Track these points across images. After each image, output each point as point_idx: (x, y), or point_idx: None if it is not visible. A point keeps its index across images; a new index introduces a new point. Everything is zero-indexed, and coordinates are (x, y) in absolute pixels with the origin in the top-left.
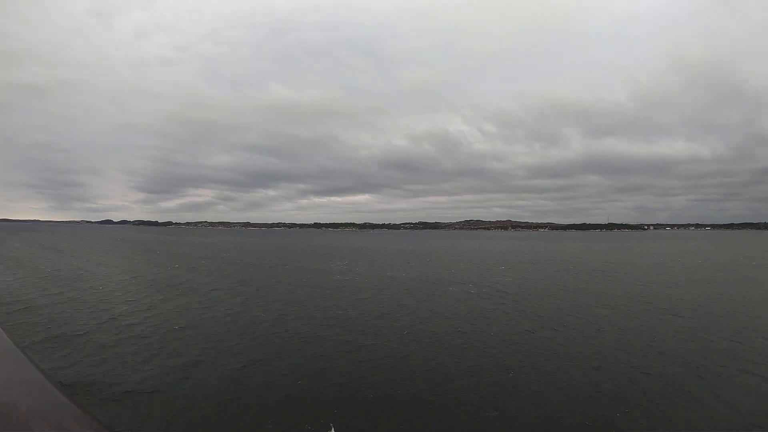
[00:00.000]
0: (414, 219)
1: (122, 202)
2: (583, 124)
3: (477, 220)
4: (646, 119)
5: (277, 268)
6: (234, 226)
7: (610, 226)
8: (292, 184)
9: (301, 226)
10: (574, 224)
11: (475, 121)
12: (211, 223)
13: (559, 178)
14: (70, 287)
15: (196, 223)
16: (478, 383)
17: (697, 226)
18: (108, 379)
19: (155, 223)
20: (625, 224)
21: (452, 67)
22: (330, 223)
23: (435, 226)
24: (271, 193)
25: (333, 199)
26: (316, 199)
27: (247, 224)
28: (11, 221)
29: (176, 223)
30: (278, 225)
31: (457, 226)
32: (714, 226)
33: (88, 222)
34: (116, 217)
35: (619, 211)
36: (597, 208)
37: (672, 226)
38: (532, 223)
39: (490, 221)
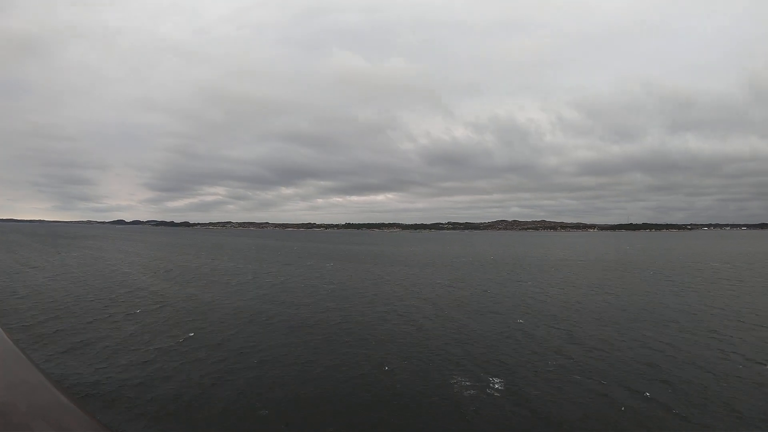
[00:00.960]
0: (432, 219)
1: (128, 202)
2: (674, 116)
3: (513, 221)
4: (742, 113)
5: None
6: (266, 227)
7: (659, 227)
8: (317, 181)
9: (338, 226)
10: (621, 224)
11: (558, 108)
12: (242, 224)
13: (604, 176)
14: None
15: (223, 224)
16: None
17: (732, 226)
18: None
19: (171, 224)
20: (673, 224)
21: (557, 43)
22: (370, 224)
23: (473, 226)
24: (287, 191)
25: (352, 198)
26: (336, 198)
27: (282, 225)
28: (17, 221)
29: (196, 224)
30: (316, 226)
31: (499, 226)
32: (749, 226)
33: (99, 222)
34: (122, 216)
35: (639, 211)
36: (618, 208)
37: (708, 226)
38: (580, 223)
39: (527, 221)
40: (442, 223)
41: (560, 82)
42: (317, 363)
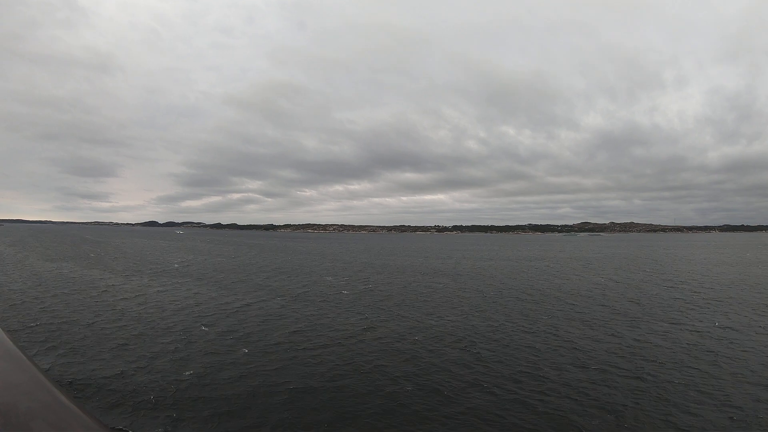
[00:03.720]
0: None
1: (137, 201)
2: None
3: (610, 222)
4: None
5: None
6: (378, 231)
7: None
8: (405, 173)
9: (442, 229)
10: (738, 225)
11: None
12: (344, 227)
13: (733, 172)
14: None
15: (323, 226)
16: None
17: None
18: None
19: (218, 226)
20: None
21: None
22: (502, 226)
23: (587, 228)
24: (337, 188)
25: (414, 198)
26: (387, 199)
27: (369, 227)
28: (26, 222)
29: (280, 226)
30: (421, 228)
31: (616, 229)
32: None
33: (126, 225)
34: (129, 218)
35: (684, 213)
36: (668, 209)
37: None
38: (700, 226)
39: (629, 223)
40: (527, 224)
41: None
42: None
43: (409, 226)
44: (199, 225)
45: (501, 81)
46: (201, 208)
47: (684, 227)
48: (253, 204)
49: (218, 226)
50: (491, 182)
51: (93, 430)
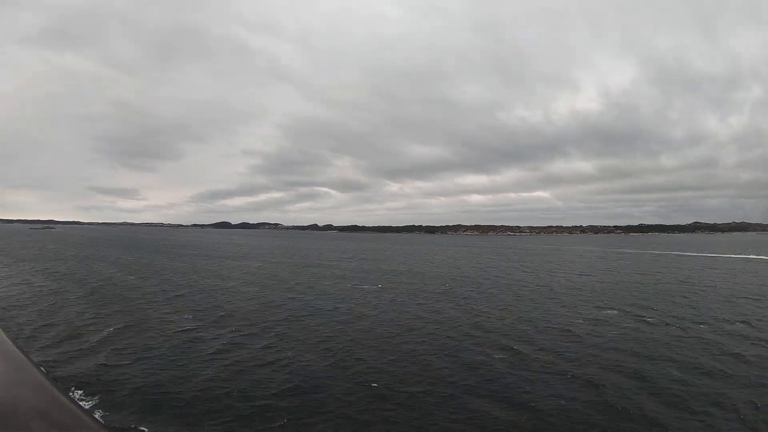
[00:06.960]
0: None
1: (169, 200)
2: None
3: (695, 222)
4: None
5: None
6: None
7: None
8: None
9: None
10: None
11: None
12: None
13: None
14: None
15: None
16: None
17: None
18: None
19: (315, 228)
20: None
21: None
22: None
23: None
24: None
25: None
26: (526, 194)
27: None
28: (59, 223)
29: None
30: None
31: (738, 227)
32: None
33: (201, 227)
34: (149, 218)
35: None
36: (729, 209)
37: None
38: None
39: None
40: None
41: None
42: None
43: (557, 226)
44: (276, 226)
45: None
46: (244, 207)
47: None
48: (309, 201)
49: (314, 227)
50: (638, 174)
51: (93, 430)
